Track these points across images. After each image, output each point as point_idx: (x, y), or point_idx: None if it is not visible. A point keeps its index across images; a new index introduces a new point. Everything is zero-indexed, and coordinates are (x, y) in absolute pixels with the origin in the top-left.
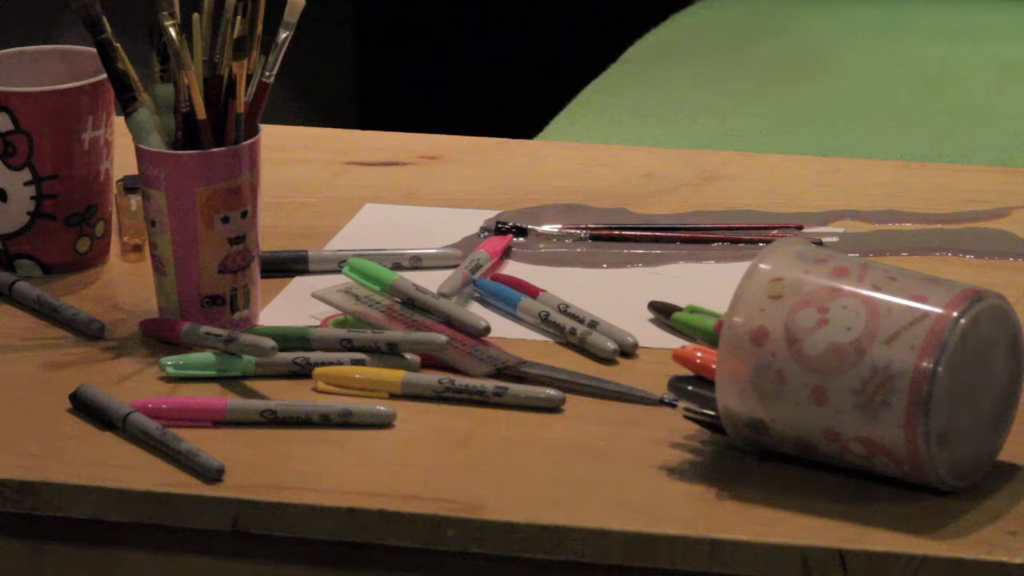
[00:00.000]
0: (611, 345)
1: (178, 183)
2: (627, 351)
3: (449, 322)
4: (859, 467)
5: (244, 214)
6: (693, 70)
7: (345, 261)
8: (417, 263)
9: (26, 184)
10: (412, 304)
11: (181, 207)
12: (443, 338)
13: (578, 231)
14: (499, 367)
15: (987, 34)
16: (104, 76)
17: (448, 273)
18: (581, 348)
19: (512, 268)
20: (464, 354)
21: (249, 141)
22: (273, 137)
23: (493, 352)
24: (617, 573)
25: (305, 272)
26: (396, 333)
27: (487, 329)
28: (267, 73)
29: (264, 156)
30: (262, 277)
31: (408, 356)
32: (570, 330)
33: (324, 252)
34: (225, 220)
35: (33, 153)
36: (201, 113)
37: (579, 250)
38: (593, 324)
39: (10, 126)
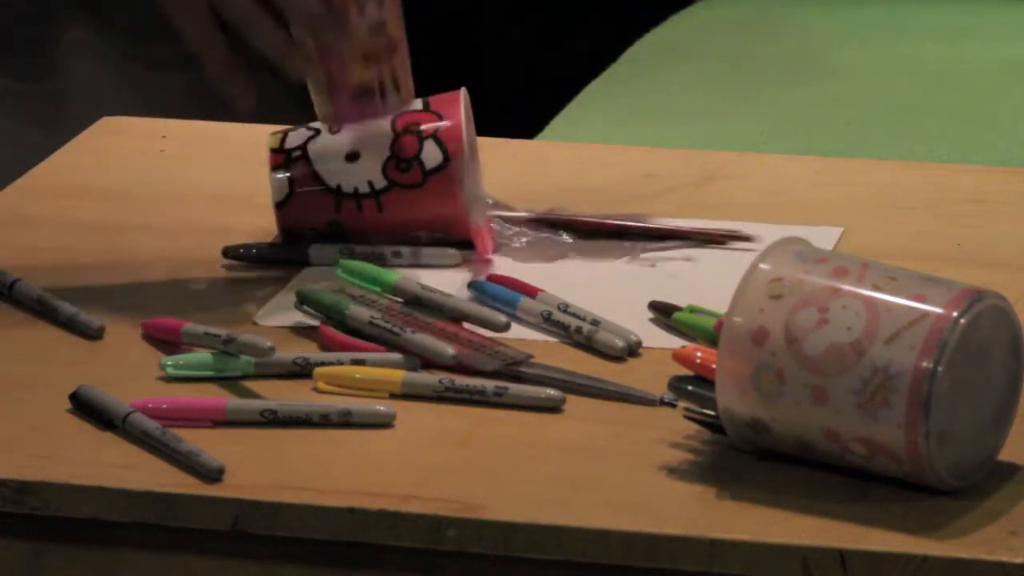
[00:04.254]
0: (620, 342)
1: None
2: (630, 349)
3: (461, 320)
4: (859, 467)
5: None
6: (693, 70)
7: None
8: (415, 262)
9: None
10: (418, 303)
11: None
12: (450, 351)
13: (566, 229)
14: (508, 362)
15: (987, 34)
16: None
17: (448, 272)
18: (586, 346)
19: (509, 268)
20: (471, 350)
21: None
22: None
23: (500, 348)
24: (617, 573)
25: (306, 267)
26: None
27: (508, 324)
28: None
29: (263, 156)
30: (262, 273)
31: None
32: (575, 328)
33: (325, 247)
34: (362, 10)
35: None
36: None
37: (573, 249)
38: (595, 323)
39: None
